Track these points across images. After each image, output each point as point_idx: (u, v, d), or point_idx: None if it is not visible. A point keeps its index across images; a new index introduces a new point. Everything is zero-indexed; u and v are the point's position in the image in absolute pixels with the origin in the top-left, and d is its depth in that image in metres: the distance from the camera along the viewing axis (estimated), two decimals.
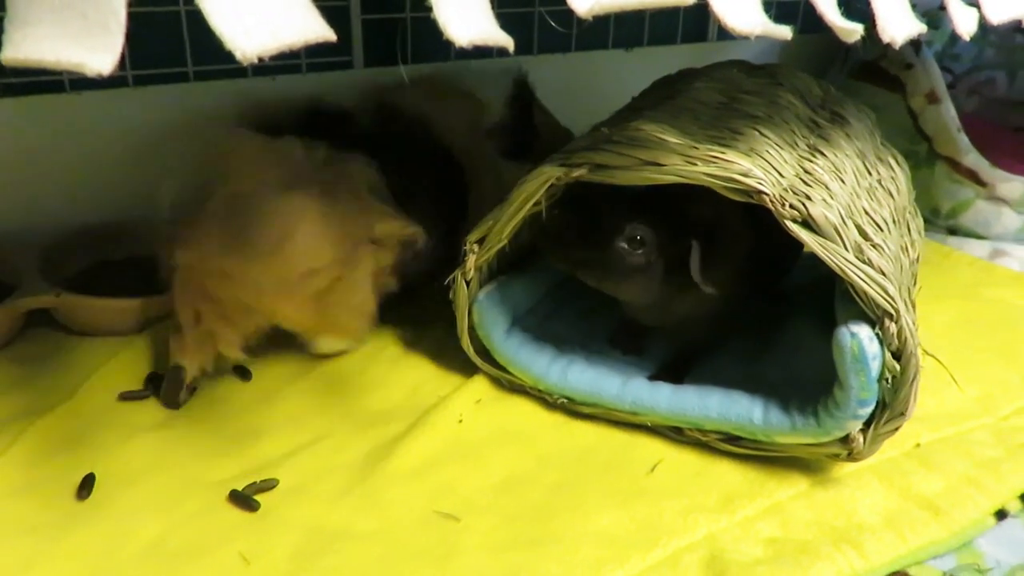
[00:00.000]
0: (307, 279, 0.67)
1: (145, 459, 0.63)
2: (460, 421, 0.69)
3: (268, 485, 0.61)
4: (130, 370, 0.73)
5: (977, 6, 0.54)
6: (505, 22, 0.38)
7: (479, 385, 0.74)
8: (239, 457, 0.64)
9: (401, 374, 0.75)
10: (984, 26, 0.54)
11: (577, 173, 0.62)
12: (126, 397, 0.70)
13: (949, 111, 1.06)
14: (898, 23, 0.49)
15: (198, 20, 0.31)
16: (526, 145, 0.89)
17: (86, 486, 0.60)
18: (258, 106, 0.78)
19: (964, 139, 1.05)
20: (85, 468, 0.61)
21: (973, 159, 1.04)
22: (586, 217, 0.64)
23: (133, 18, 0.29)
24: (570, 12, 0.38)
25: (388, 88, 0.86)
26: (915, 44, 1.08)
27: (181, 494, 0.60)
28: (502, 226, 0.67)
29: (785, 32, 0.44)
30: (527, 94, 0.92)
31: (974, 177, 1.04)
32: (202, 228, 0.66)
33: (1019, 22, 0.57)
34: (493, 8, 0.38)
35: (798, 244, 0.58)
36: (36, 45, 0.29)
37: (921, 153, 1.08)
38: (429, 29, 0.37)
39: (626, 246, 0.63)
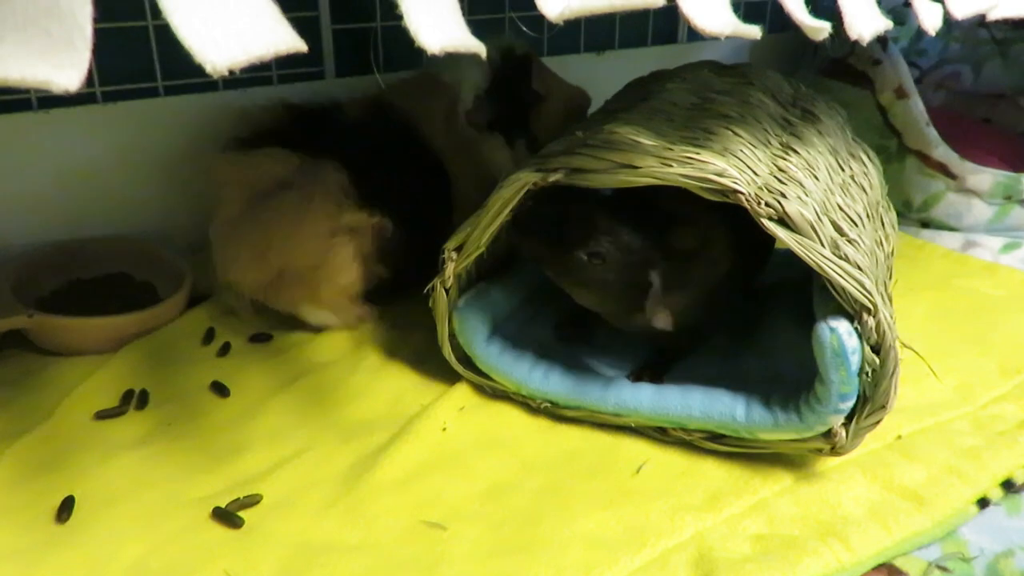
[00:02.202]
0: (290, 275, 0.77)
1: (125, 479, 0.62)
2: (444, 429, 0.69)
3: (252, 501, 0.60)
4: (106, 389, 0.72)
5: (941, 1, 0.55)
6: (476, 28, 0.38)
7: (462, 392, 0.73)
8: (221, 473, 0.63)
9: (383, 383, 0.75)
10: (948, 21, 0.55)
11: (554, 178, 0.62)
12: (103, 415, 0.69)
13: (917, 106, 1.07)
14: (865, 20, 0.49)
15: (167, 34, 0.31)
16: (518, 114, 0.88)
17: (66, 508, 0.59)
18: (243, 116, 0.82)
19: (933, 133, 1.06)
20: (64, 490, 0.61)
21: (943, 152, 1.06)
22: (556, 217, 0.63)
23: (101, 34, 0.29)
24: (541, 17, 0.39)
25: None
26: (882, 40, 1.09)
27: (163, 513, 0.59)
28: (480, 233, 0.67)
29: (754, 32, 0.44)
30: (518, 62, 0.88)
31: (944, 170, 1.06)
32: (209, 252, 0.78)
33: (982, 16, 0.58)
34: (464, 14, 0.38)
35: (770, 240, 0.59)
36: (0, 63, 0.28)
37: (891, 148, 1.09)
38: (400, 37, 0.36)
39: (586, 258, 0.62)
